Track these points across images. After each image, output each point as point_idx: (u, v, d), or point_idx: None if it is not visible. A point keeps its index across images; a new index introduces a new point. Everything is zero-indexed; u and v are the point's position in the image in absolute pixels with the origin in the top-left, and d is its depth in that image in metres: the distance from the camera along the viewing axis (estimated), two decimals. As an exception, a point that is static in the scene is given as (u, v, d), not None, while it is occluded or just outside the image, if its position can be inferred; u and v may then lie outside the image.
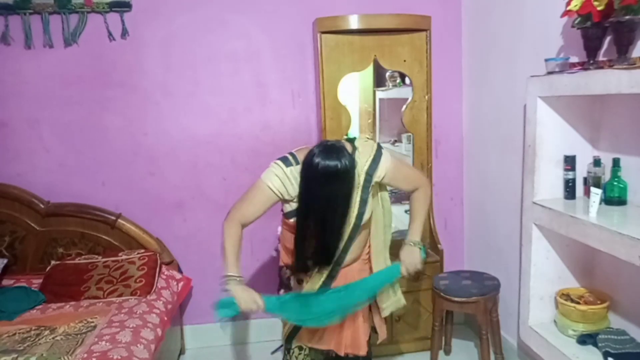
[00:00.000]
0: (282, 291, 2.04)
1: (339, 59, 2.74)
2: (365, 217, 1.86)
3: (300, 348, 2.00)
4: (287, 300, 1.90)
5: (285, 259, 2.00)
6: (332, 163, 1.68)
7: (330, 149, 1.72)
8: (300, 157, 1.80)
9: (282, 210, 1.91)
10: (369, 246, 2.00)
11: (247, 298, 1.77)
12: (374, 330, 2.08)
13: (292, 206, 1.83)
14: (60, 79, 2.82)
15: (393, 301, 2.06)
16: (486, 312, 2.50)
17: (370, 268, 2.00)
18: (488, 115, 2.85)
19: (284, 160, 1.81)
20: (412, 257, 1.94)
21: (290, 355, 2.00)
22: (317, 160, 1.69)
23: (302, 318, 1.88)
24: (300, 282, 1.95)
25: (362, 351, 1.98)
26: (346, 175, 1.71)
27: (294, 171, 1.78)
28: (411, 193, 1.97)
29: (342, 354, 1.97)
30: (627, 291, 2.01)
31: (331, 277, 1.90)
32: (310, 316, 1.86)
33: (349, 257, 1.89)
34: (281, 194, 1.80)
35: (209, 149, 2.99)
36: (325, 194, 1.71)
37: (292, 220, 1.85)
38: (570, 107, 2.05)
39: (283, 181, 1.78)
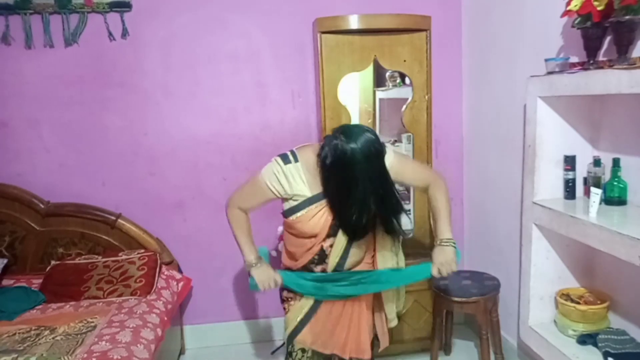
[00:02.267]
0: (284, 292, 2.03)
1: (339, 59, 2.74)
2: None
3: (303, 350, 1.99)
4: (305, 279, 1.91)
5: (287, 262, 1.99)
6: (365, 142, 1.64)
7: (351, 130, 1.69)
8: (301, 154, 1.79)
9: (282, 211, 1.91)
10: (374, 250, 1.99)
11: (265, 279, 1.86)
12: (375, 338, 2.06)
13: (291, 204, 1.82)
14: (61, 79, 2.83)
15: (396, 312, 2.08)
16: (486, 312, 2.50)
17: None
18: (488, 115, 2.85)
19: (284, 157, 1.80)
20: (445, 257, 1.84)
21: (293, 358, 2.00)
22: (349, 147, 1.63)
23: (319, 294, 1.91)
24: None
25: (367, 355, 1.97)
26: (380, 147, 1.69)
27: (292, 169, 1.78)
28: (426, 192, 1.93)
29: (346, 357, 1.96)
30: (627, 291, 2.01)
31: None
32: (326, 293, 1.89)
33: (349, 260, 1.88)
34: (278, 193, 1.80)
35: (209, 149, 2.99)
36: (368, 173, 1.66)
37: (291, 218, 1.84)
38: (570, 107, 2.05)
39: (280, 179, 1.78)
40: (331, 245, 1.84)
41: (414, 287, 2.82)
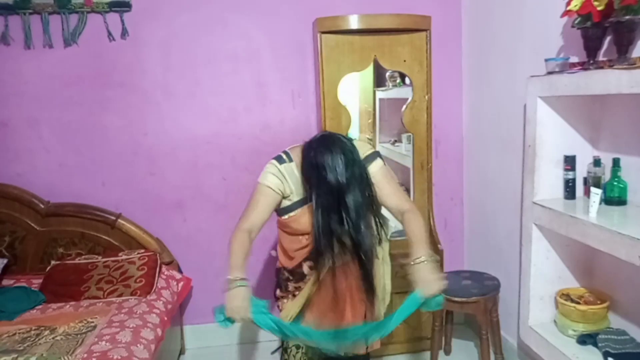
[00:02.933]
0: (277, 291, 2.04)
1: (339, 59, 2.74)
2: None
3: (298, 347, 2.00)
4: (282, 325, 1.75)
5: (283, 260, 2.00)
6: (330, 154, 1.70)
7: (326, 140, 1.74)
8: (293, 154, 1.85)
9: (276, 210, 1.92)
10: None
11: (235, 307, 1.68)
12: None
13: (285, 203, 1.87)
14: (60, 79, 2.82)
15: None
16: (486, 312, 2.50)
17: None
18: (488, 115, 2.85)
19: (278, 158, 1.87)
20: (426, 275, 1.66)
21: (288, 355, 2.01)
22: (313, 154, 1.72)
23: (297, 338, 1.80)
24: (298, 287, 1.96)
25: (361, 350, 1.98)
26: (351, 157, 1.73)
27: (287, 168, 1.83)
28: (401, 217, 1.87)
29: (341, 353, 1.97)
30: (627, 291, 2.01)
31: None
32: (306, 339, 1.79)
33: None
34: (280, 191, 1.84)
35: (209, 149, 2.99)
36: (339, 182, 1.71)
37: (285, 217, 1.88)
38: (570, 107, 2.05)
39: (279, 178, 1.83)
40: None
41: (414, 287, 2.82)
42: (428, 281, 1.66)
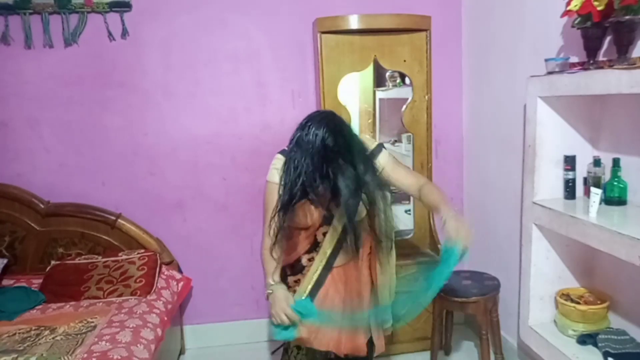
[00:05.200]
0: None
1: (339, 59, 2.74)
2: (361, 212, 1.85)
3: (299, 348, 2.00)
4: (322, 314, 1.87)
5: (285, 259, 2.00)
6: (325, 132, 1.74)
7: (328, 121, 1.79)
8: None
9: None
10: (370, 253, 1.99)
11: (278, 311, 1.81)
12: (371, 341, 2.03)
13: None
14: (61, 79, 2.82)
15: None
16: (486, 312, 2.50)
17: (371, 275, 1.99)
18: (488, 115, 2.85)
19: (282, 151, 1.88)
20: (460, 225, 1.64)
21: (289, 355, 2.01)
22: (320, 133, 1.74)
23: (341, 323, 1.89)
24: (297, 281, 1.97)
25: (362, 352, 1.97)
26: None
27: None
28: (419, 192, 1.89)
29: (341, 354, 1.97)
30: (627, 291, 2.01)
31: (325, 273, 1.91)
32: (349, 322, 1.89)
33: (340, 257, 1.89)
34: None
35: (209, 149, 2.99)
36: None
37: None
38: (570, 107, 2.05)
39: (282, 170, 1.82)
40: (324, 234, 1.87)
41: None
42: (463, 231, 1.63)
